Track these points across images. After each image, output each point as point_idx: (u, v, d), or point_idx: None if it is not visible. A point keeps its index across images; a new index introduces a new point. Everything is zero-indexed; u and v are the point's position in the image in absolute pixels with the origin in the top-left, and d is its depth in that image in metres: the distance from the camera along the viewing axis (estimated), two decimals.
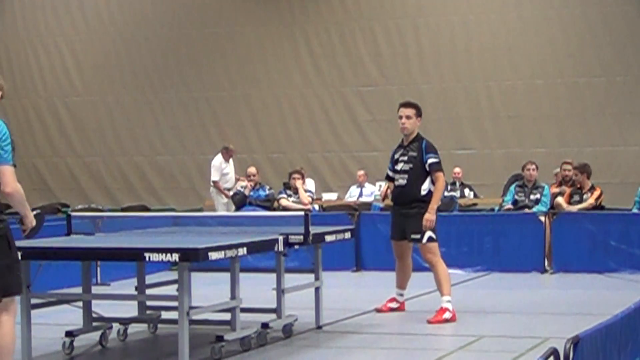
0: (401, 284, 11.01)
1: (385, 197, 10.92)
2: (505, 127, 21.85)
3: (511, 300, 12.21)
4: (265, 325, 9.00)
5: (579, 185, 16.27)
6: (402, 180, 10.58)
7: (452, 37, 22.18)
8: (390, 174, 10.79)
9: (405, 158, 10.59)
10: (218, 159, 19.62)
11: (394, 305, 10.97)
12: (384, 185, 11.20)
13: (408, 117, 10.63)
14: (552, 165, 18.88)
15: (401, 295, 11.02)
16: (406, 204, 10.52)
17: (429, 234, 10.40)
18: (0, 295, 6.43)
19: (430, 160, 10.46)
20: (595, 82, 21.28)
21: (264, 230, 9.33)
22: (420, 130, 10.76)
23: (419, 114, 10.70)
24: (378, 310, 10.95)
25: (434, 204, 10.43)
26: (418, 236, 10.44)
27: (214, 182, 19.50)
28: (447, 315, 10.18)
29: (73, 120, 24.82)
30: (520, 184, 16.56)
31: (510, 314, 11.05)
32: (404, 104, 10.84)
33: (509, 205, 16.32)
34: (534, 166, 16.41)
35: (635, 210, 15.91)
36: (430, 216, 10.38)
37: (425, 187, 10.48)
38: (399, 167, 10.64)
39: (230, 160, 19.78)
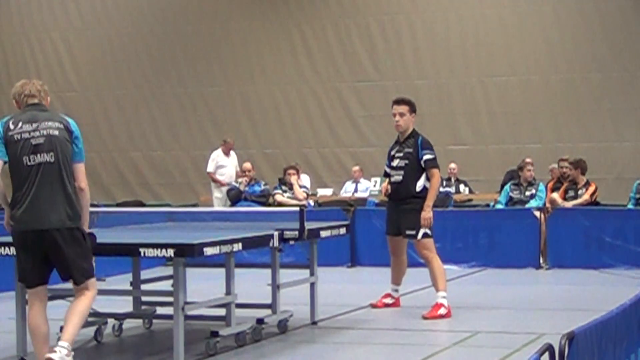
0: (396, 280, 11.00)
1: (386, 192, 10.87)
2: (500, 123, 21.86)
3: (506, 296, 12.22)
4: (260, 321, 9.00)
5: (573, 181, 16.27)
6: (397, 177, 10.56)
7: (447, 33, 22.17)
8: (387, 170, 10.78)
9: (401, 154, 10.57)
10: (216, 152, 19.74)
11: (389, 300, 10.97)
12: (380, 181, 11.19)
13: (401, 115, 10.60)
14: (547, 161, 18.88)
15: (396, 290, 11.02)
16: (401, 199, 10.51)
17: (423, 229, 10.39)
18: (83, 278, 7.16)
19: (425, 157, 10.44)
20: (590, 78, 21.29)
21: (259, 226, 9.33)
22: (415, 126, 10.74)
23: (412, 110, 10.66)
24: (373, 306, 10.95)
25: (430, 201, 10.40)
26: (413, 232, 10.43)
27: (208, 173, 19.61)
28: (442, 310, 10.18)
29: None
30: (515, 182, 16.54)
31: (506, 309, 11.07)
32: (396, 100, 10.77)
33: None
34: (532, 167, 16.37)
35: (630, 206, 15.91)
36: (426, 214, 10.36)
37: (421, 183, 10.46)
38: (394, 163, 10.63)
39: (232, 155, 19.81)
